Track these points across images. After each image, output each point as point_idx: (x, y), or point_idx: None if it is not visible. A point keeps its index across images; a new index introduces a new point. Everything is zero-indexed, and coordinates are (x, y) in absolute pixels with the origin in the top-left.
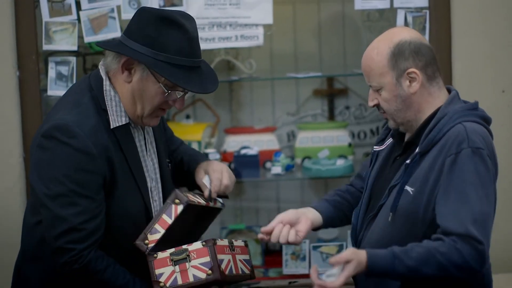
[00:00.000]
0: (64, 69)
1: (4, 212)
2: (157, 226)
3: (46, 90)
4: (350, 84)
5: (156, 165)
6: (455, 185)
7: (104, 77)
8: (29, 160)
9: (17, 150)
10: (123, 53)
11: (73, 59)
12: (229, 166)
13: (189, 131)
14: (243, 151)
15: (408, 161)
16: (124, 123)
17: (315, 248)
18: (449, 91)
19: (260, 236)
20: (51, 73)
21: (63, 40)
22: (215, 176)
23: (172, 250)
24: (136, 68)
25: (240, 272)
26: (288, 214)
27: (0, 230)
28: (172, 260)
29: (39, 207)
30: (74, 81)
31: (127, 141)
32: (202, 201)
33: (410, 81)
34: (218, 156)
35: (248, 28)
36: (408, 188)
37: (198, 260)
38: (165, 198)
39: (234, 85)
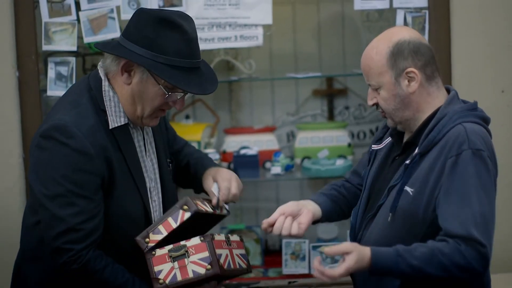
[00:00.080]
0: (63, 70)
1: (4, 212)
2: (161, 228)
3: (45, 91)
4: (349, 84)
5: (156, 165)
6: (457, 187)
7: (103, 77)
8: (28, 160)
9: (17, 150)
10: (122, 56)
11: (72, 60)
12: (229, 167)
13: (189, 131)
14: (243, 151)
15: (407, 162)
16: (123, 123)
17: (314, 248)
18: (448, 91)
19: (263, 226)
20: (51, 73)
21: (63, 41)
22: (224, 184)
23: (171, 246)
24: (135, 70)
25: (238, 266)
26: (290, 206)
27: (0, 230)
28: (170, 256)
29: (38, 207)
30: (74, 82)
31: (126, 141)
32: (209, 209)
33: (408, 81)
34: (217, 156)
35: (248, 29)
36: (407, 188)
37: (197, 256)
38: (164, 198)
39: (234, 85)
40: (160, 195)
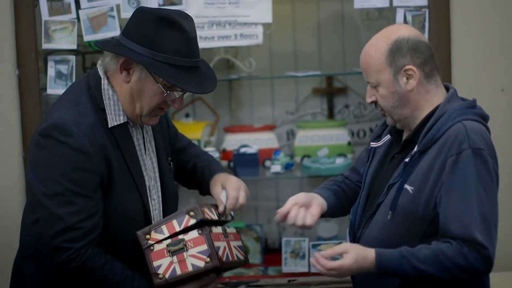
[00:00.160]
0: (63, 68)
1: (4, 211)
2: (164, 228)
3: (45, 89)
4: (349, 82)
5: (155, 164)
6: (457, 187)
7: (102, 76)
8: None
9: (17, 149)
10: (121, 54)
11: (72, 58)
12: (229, 165)
13: (189, 130)
14: (243, 150)
15: (407, 160)
16: (122, 122)
17: (314, 246)
18: (447, 88)
19: (278, 218)
20: (51, 71)
21: (63, 39)
22: (232, 194)
23: (169, 241)
24: (134, 69)
25: (236, 258)
26: (302, 197)
27: (0, 229)
28: (169, 251)
29: (36, 206)
30: (74, 80)
31: (125, 140)
32: (215, 217)
33: (407, 78)
34: (217, 154)
35: (248, 27)
36: (407, 186)
37: (195, 249)
38: (164, 197)
39: (234, 84)
40: (160, 193)
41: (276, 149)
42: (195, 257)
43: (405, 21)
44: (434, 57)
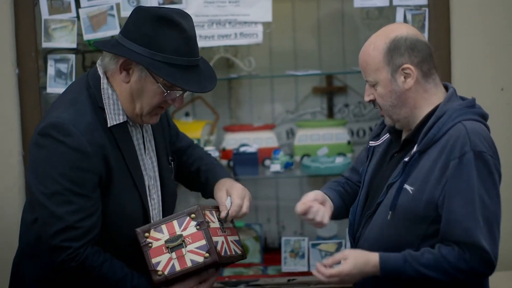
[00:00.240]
0: (63, 67)
1: (3, 210)
2: (163, 227)
3: (45, 88)
4: (349, 82)
5: (155, 163)
6: (460, 192)
7: (101, 75)
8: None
9: (17, 148)
10: (120, 54)
11: (72, 57)
12: (228, 164)
13: (188, 129)
14: (242, 149)
15: (406, 159)
16: (121, 121)
17: (314, 245)
18: (446, 88)
19: (299, 209)
20: (50, 70)
21: (62, 38)
22: (237, 201)
23: (167, 237)
24: (134, 69)
25: (234, 252)
26: (319, 194)
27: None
28: (167, 247)
29: (35, 205)
30: (73, 79)
31: (124, 139)
32: (216, 221)
33: (405, 77)
34: (217, 153)
35: (248, 26)
36: (407, 186)
37: (194, 245)
38: (164, 196)
39: (233, 83)
40: (160, 193)
41: (275, 148)
42: (194, 253)
43: (405, 20)
44: (433, 56)
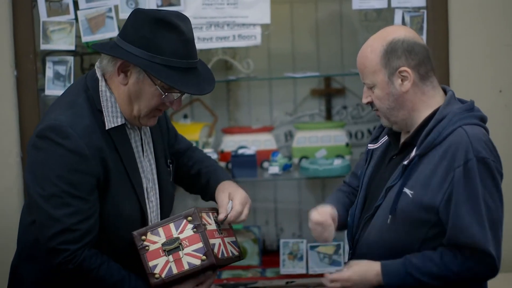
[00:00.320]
0: (61, 69)
1: (1, 212)
2: (160, 230)
3: (43, 90)
4: (347, 84)
5: (153, 166)
6: (467, 199)
7: (100, 78)
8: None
9: (15, 150)
10: (118, 56)
11: (70, 59)
12: (227, 166)
13: (187, 131)
14: (241, 151)
15: (405, 163)
16: (119, 124)
17: (312, 248)
18: (444, 91)
19: (314, 219)
20: (49, 72)
21: (61, 40)
22: (237, 208)
23: (164, 240)
24: (132, 71)
25: (231, 254)
26: (333, 210)
27: None
28: (164, 250)
29: (33, 207)
30: (72, 81)
31: (122, 141)
32: (212, 222)
33: (402, 80)
34: (215, 155)
35: (246, 28)
36: (407, 190)
37: (191, 248)
38: (162, 198)
39: (232, 85)
40: (158, 195)
41: (274, 150)
42: (191, 256)
43: (404, 22)
44: (431, 58)
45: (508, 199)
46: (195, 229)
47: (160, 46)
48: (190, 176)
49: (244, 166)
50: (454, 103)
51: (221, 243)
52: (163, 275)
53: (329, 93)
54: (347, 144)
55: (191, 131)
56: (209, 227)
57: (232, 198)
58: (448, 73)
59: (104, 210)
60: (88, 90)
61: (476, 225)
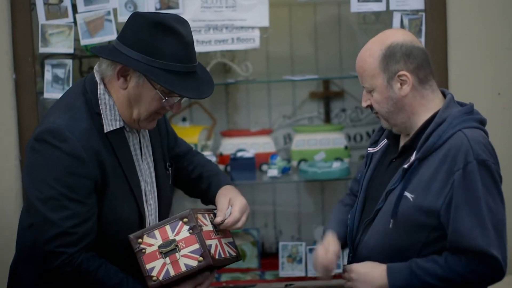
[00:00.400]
0: (60, 72)
1: (1, 214)
2: (156, 233)
3: (42, 93)
4: (346, 86)
5: (152, 169)
6: (467, 201)
7: (98, 81)
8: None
9: (14, 152)
10: (118, 61)
11: (69, 62)
12: (225, 169)
13: (186, 134)
14: (240, 154)
15: (406, 166)
16: (118, 127)
17: (311, 250)
18: (443, 94)
19: (323, 264)
20: (48, 75)
21: (60, 43)
22: (236, 215)
23: (160, 242)
24: (131, 75)
25: (228, 255)
26: (336, 245)
27: None
28: (161, 252)
29: (31, 210)
30: (71, 84)
31: (120, 145)
32: (208, 223)
33: (401, 84)
34: (214, 158)
35: (244, 31)
36: (407, 194)
37: (187, 249)
38: (160, 202)
39: (230, 88)
40: (156, 198)
41: (273, 153)
42: (188, 257)
43: (402, 25)
44: (430, 62)
45: (508, 201)
46: (191, 231)
47: (160, 50)
48: (191, 180)
49: (243, 169)
50: (453, 106)
51: (218, 244)
52: (160, 278)
53: (328, 96)
54: (346, 147)
55: (190, 134)
56: (205, 228)
57: (232, 204)
58: (446, 75)
59: (102, 213)
60: (86, 93)
61: (477, 227)
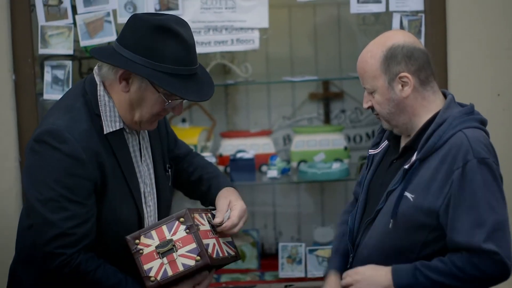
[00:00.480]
0: (60, 73)
1: (0, 215)
2: (153, 233)
3: (42, 94)
4: (345, 87)
5: (151, 170)
6: (466, 199)
7: (98, 82)
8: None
9: (13, 154)
10: (121, 67)
11: (69, 63)
12: (225, 170)
13: (185, 135)
14: (239, 155)
15: (406, 167)
16: (118, 128)
17: (311, 251)
18: (444, 95)
19: None
20: (47, 77)
21: (59, 44)
22: (233, 220)
23: (157, 242)
24: (134, 78)
25: (226, 254)
26: (337, 284)
27: None
28: (158, 252)
29: (30, 211)
30: (70, 85)
31: (120, 146)
32: (205, 223)
33: (402, 85)
34: (214, 159)
35: (244, 32)
36: (408, 194)
37: (184, 249)
38: (160, 203)
39: (230, 89)
40: (156, 200)
41: (272, 154)
42: (185, 257)
43: (402, 26)
44: (431, 63)
45: (509, 202)
46: (187, 230)
47: (163, 54)
48: (191, 182)
49: (242, 170)
50: (454, 106)
51: (216, 243)
52: (158, 278)
53: (327, 97)
54: (346, 148)
55: (189, 135)
56: (202, 228)
57: (231, 208)
58: (446, 76)
59: (101, 214)
60: (86, 94)
61: (475, 225)
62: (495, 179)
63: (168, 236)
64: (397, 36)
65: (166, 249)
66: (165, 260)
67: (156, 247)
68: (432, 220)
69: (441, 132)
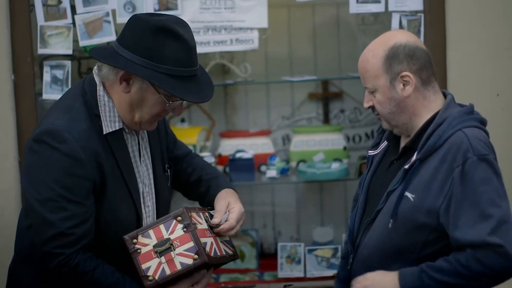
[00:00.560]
0: (59, 73)
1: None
2: (151, 232)
3: (41, 94)
4: (345, 87)
5: (150, 171)
6: (467, 196)
7: (98, 82)
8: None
9: (12, 153)
10: (121, 68)
11: (68, 63)
12: (224, 170)
13: (184, 135)
14: (238, 155)
15: (406, 167)
16: (117, 128)
17: (310, 251)
18: (444, 95)
19: None
20: (46, 77)
21: (58, 44)
22: (231, 222)
23: (155, 242)
24: (134, 79)
25: (224, 253)
26: None
27: None
28: (156, 252)
29: (29, 211)
30: (69, 85)
31: (119, 146)
32: (203, 221)
33: (403, 85)
34: (213, 159)
35: (243, 32)
36: (408, 194)
37: (182, 247)
38: (158, 203)
39: (229, 89)
40: (155, 200)
41: (271, 154)
42: (183, 255)
43: (401, 26)
44: (432, 63)
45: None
46: (185, 229)
47: (163, 56)
48: (190, 182)
49: (241, 170)
50: (453, 106)
51: (214, 242)
52: (156, 277)
53: (326, 96)
54: (345, 148)
55: (188, 135)
56: (199, 226)
57: (230, 210)
58: (445, 77)
59: (100, 214)
60: (85, 94)
61: (477, 221)
62: (496, 174)
63: (165, 235)
64: (399, 36)
65: (164, 248)
66: (163, 259)
67: (154, 246)
68: (432, 220)
69: (441, 131)
